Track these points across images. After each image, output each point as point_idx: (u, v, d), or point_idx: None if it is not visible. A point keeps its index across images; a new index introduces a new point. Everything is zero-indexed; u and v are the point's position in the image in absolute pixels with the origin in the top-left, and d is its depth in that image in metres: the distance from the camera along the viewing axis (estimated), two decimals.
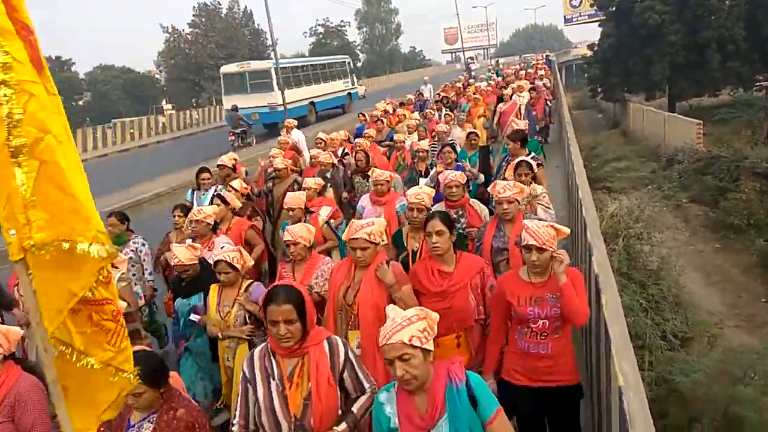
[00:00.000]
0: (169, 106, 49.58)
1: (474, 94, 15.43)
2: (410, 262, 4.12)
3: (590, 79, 31.40)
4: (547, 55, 40.67)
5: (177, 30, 51.21)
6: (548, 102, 14.46)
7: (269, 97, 22.41)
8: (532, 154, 6.06)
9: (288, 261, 4.47)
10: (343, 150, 9.37)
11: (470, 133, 7.95)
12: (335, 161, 7.78)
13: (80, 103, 53.35)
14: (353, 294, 3.55)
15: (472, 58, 50.48)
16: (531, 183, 5.05)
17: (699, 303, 9.61)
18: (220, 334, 3.99)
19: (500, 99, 14.45)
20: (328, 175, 7.40)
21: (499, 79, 21.74)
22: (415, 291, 3.53)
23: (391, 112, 13.76)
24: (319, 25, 64.37)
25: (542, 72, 22.94)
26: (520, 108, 12.51)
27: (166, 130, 30.37)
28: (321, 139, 9.65)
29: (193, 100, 50.82)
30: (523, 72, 21.14)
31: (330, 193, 7.17)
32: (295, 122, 12.00)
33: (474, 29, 79.62)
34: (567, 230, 3.34)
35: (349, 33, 66.18)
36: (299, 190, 6.31)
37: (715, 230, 13.59)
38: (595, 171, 16.80)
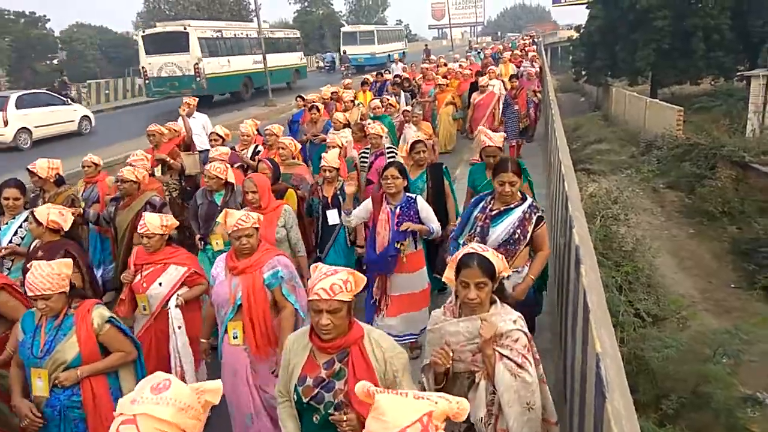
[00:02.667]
0: None
1: (443, 77, 13.59)
2: None
3: (575, 62, 31.43)
4: (531, 36, 40.37)
5: None
6: (536, 93, 11.56)
7: (372, 48, 36.59)
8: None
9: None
10: (255, 148, 7.25)
11: (414, 143, 5.46)
12: (231, 176, 5.27)
13: (54, 62, 51.65)
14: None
15: (427, 46, 38.57)
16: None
17: (671, 286, 9.73)
18: None
19: (475, 85, 11.85)
20: (219, 199, 5.19)
21: (476, 62, 19.79)
22: None
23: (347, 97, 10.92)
24: None
25: (533, 54, 20.06)
26: (498, 101, 10.89)
27: (143, 93, 29.56)
28: (217, 135, 7.05)
29: None
30: (507, 54, 18.27)
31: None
32: (195, 101, 8.91)
33: (461, 5, 78.89)
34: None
35: (335, 2, 65.06)
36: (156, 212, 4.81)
37: (690, 216, 13.75)
38: (575, 152, 16.85)
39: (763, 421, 5.37)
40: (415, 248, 4.50)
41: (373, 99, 10.65)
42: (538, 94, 11.88)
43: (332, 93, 11.76)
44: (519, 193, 3.91)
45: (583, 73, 30.02)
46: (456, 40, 52.56)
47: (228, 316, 3.54)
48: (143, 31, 22.72)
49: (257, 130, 7.79)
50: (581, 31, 29.67)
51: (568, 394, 3.72)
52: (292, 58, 28.33)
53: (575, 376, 3.33)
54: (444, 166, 5.59)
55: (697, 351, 5.84)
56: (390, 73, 16.64)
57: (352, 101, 10.31)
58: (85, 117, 18.02)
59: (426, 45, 41.15)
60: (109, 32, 56.35)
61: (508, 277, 3.27)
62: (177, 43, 20.55)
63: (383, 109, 9.31)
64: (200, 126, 8.88)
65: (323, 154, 5.49)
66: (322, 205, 5.36)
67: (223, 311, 3.58)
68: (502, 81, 13.01)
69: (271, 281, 3.56)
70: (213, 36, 22.35)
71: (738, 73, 23.65)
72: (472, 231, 3.92)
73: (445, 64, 18.05)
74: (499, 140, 4.84)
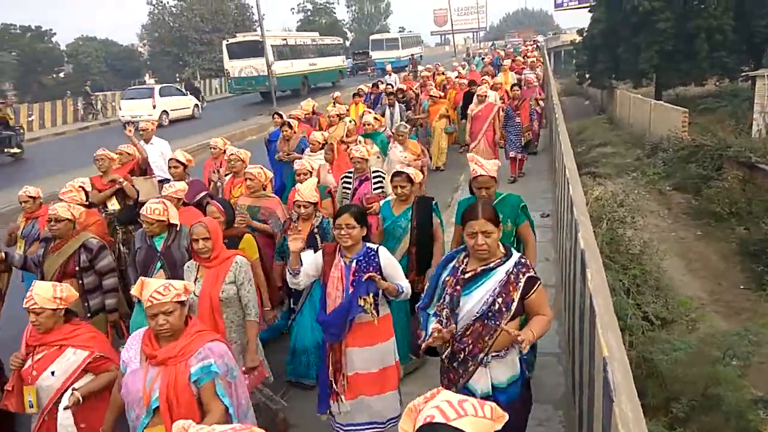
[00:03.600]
0: (152, 80, 48.71)
1: (434, 88, 12.27)
2: None
3: (578, 65, 31.42)
4: (535, 40, 40.41)
5: (161, 2, 50.15)
6: (538, 101, 10.81)
7: (397, 53, 40.89)
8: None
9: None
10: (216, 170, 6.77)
11: (395, 175, 4.55)
12: (173, 216, 4.38)
13: (61, 75, 52.08)
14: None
15: (412, 57, 37.59)
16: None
17: (679, 289, 9.68)
18: None
19: (469, 95, 11.32)
20: (160, 243, 4.34)
21: (477, 70, 18.10)
22: None
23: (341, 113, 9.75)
24: (307, 1, 63.48)
25: (532, 59, 18.38)
26: (499, 113, 10.01)
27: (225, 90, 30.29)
28: (177, 162, 6.08)
29: (177, 75, 49.93)
30: (508, 61, 17.18)
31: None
32: (155, 125, 8.75)
33: (464, 11, 78.96)
34: None
35: (337, 11, 65.37)
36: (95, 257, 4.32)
37: (697, 218, 13.70)
38: (580, 156, 16.84)
39: None
40: (377, 313, 3.43)
41: (366, 112, 9.59)
42: (540, 102, 11.16)
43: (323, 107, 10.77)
44: (501, 247, 2.90)
45: (587, 76, 29.99)
46: (458, 46, 52.59)
47: (142, 423, 2.67)
48: (227, 40, 27.57)
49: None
50: (584, 34, 29.67)
51: (577, 398, 3.72)
52: (337, 61, 33.34)
53: (583, 379, 3.34)
54: (434, 202, 4.58)
55: (706, 353, 5.80)
56: (383, 83, 14.99)
57: (338, 116, 9.10)
58: (196, 105, 24.24)
59: (412, 55, 39.19)
60: (114, 45, 56.75)
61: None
62: (254, 49, 24.82)
63: (373, 125, 8.22)
64: (158, 153, 8.01)
65: (297, 186, 4.68)
66: None
67: (134, 413, 2.70)
68: (505, 91, 12.19)
69: (201, 376, 2.70)
70: (281, 43, 27.31)
71: (743, 74, 23.59)
72: (441, 301, 2.92)
73: (443, 73, 16.84)
74: (493, 168, 3.89)
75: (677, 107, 19.00)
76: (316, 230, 4.51)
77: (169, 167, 6.16)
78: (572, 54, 38.06)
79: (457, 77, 14.50)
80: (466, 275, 2.85)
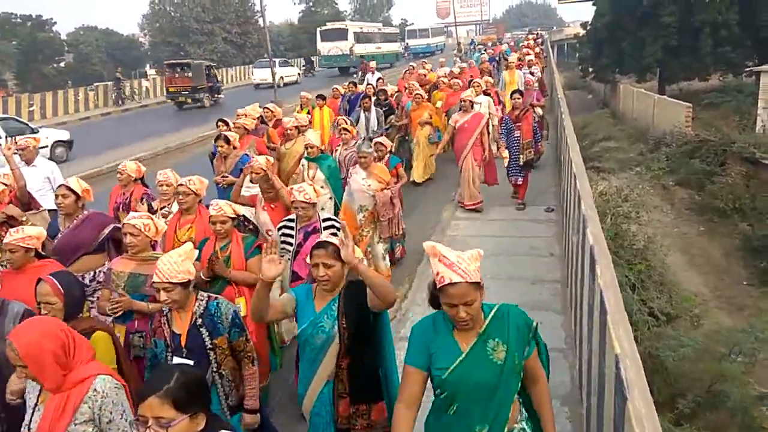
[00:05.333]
0: (153, 71, 48.55)
1: (418, 88, 10.34)
2: None
3: (582, 59, 31.27)
4: (538, 34, 40.16)
5: None
6: (534, 107, 9.20)
7: (427, 41, 50.52)
8: None
9: None
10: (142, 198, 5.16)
11: (317, 247, 2.85)
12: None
13: (61, 65, 51.88)
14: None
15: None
16: None
17: (682, 284, 9.68)
18: None
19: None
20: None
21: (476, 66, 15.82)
22: None
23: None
24: None
25: (530, 57, 15.59)
26: (488, 123, 8.59)
27: (150, 95, 29.86)
28: (69, 190, 4.36)
29: None
30: (514, 56, 15.16)
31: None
32: (38, 141, 6.59)
33: (466, 3, 78.62)
34: None
35: (339, 2, 65.13)
36: None
37: (700, 213, 13.69)
38: (584, 150, 16.73)
39: None
40: None
41: (338, 118, 8.06)
42: (538, 110, 9.73)
43: (269, 111, 8.73)
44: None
45: (591, 70, 29.88)
46: (461, 38, 52.50)
47: None
48: (320, 28, 36.66)
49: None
50: (588, 27, 29.52)
51: (584, 395, 3.70)
52: (395, 47, 43.04)
53: (592, 376, 3.31)
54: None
55: (711, 349, 5.79)
56: (362, 83, 13.41)
57: (296, 128, 7.08)
58: (299, 73, 33.99)
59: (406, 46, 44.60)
60: (114, 34, 56.51)
61: None
62: (340, 34, 34.46)
63: (317, 147, 6.08)
64: (43, 178, 6.20)
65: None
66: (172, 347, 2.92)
67: None
68: (496, 93, 10.94)
69: None
70: (359, 30, 36.79)
71: (747, 69, 23.47)
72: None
73: (431, 70, 14.81)
74: (474, 266, 2.23)
75: (681, 102, 18.93)
76: (198, 321, 2.91)
77: (56, 196, 4.41)
78: (575, 47, 37.89)
79: (453, 75, 12.39)
80: None
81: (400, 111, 10.24)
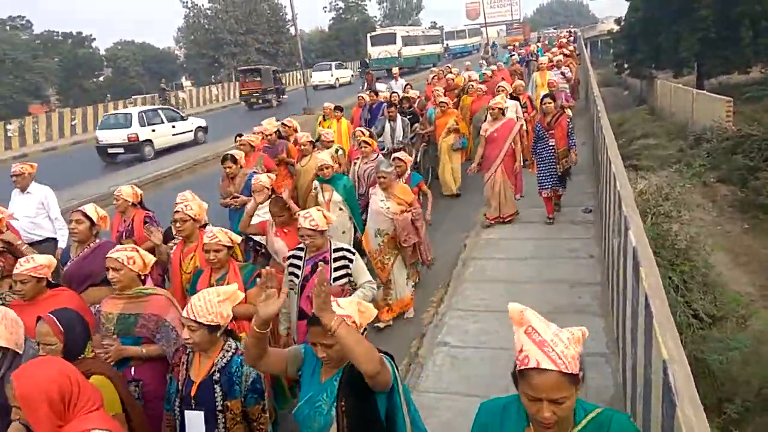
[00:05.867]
0: (189, 82, 49.67)
1: (441, 95, 9.87)
2: None
3: (616, 55, 30.79)
4: (570, 31, 39.46)
5: (196, 5, 51.01)
6: (564, 108, 8.71)
7: (464, 41, 53.68)
8: None
9: None
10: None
11: (311, 323, 2.27)
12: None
13: (100, 79, 53.55)
14: None
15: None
16: None
17: (727, 284, 9.40)
18: None
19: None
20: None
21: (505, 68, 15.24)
22: None
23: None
24: None
25: (559, 57, 14.52)
26: (521, 133, 8.00)
27: (186, 106, 30.63)
28: (84, 216, 4.17)
29: (212, 77, 50.79)
30: (546, 58, 14.00)
31: None
32: (34, 168, 5.98)
33: (496, 4, 78.03)
34: None
35: (369, 8, 65.41)
36: None
37: (744, 210, 13.28)
38: (621, 148, 16.40)
39: None
40: None
41: (356, 130, 7.48)
42: (568, 111, 9.15)
43: (286, 127, 8.18)
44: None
45: (626, 66, 29.35)
46: (492, 38, 52.16)
47: None
48: (370, 34, 41.56)
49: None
50: (622, 23, 29.03)
51: (629, 401, 3.65)
52: (437, 48, 45.79)
53: (637, 382, 3.27)
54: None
55: (760, 352, 5.62)
56: (389, 90, 12.82)
57: (312, 143, 6.76)
58: (352, 75, 37.30)
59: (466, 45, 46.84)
60: (151, 48, 58.03)
61: None
62: (389, 38, 38.61)
63: (332, 168, 5.69)
64: (37, 204, 5.74)
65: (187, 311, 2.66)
66: (181, 397, 2.70)
67: None
68: (528, 98, 10.54)
69: None
70: (406, 34, 40.48)
71: None
72: None
73: (457, 74, 14.10)
74: (569, 361, 1.63)
75: (721, 96, 18.42)
76: (216, 374, 2.67)
77: (70, 221, 4.21)
78: (609, 44, 37.29)
79: (486, 77, 12.26)
80: None
81: (423, 119, 9.82)
